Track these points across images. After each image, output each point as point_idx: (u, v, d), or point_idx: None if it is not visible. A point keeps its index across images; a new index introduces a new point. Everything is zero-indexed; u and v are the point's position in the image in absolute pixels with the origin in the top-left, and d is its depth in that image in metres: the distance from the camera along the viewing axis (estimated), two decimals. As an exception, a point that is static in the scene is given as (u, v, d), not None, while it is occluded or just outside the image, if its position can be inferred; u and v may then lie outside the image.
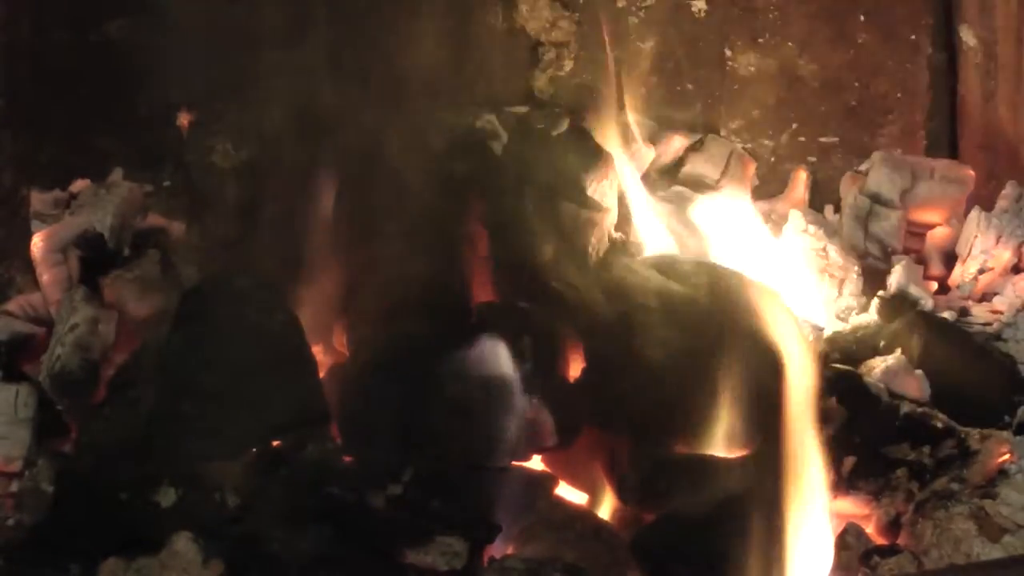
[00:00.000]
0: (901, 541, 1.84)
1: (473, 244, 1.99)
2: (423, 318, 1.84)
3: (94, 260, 2.10)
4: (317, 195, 2.01)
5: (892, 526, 1.87)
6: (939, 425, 1.93)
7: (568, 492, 1.86)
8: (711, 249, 2.33)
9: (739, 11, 2.64)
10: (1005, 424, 2.00)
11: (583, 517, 1.79)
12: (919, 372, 2.04)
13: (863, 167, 2.56)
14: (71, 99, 2.39)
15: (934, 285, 2.43)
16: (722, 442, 1.78)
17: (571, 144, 2.12)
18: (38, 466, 1.82)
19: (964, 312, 2.31)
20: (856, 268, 2.37)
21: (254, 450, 1.74)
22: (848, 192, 2.54)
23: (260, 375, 1.76)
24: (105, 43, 2.41)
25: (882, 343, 2.13)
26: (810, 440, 1.77)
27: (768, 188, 2.62)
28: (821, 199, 2.61)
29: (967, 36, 2.66)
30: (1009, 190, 2.49)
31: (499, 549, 1.72)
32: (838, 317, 2.29)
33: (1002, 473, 1.89)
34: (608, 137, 2.24)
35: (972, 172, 2.55)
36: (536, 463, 1.86)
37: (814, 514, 1.74)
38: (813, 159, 2.68)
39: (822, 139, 2.69)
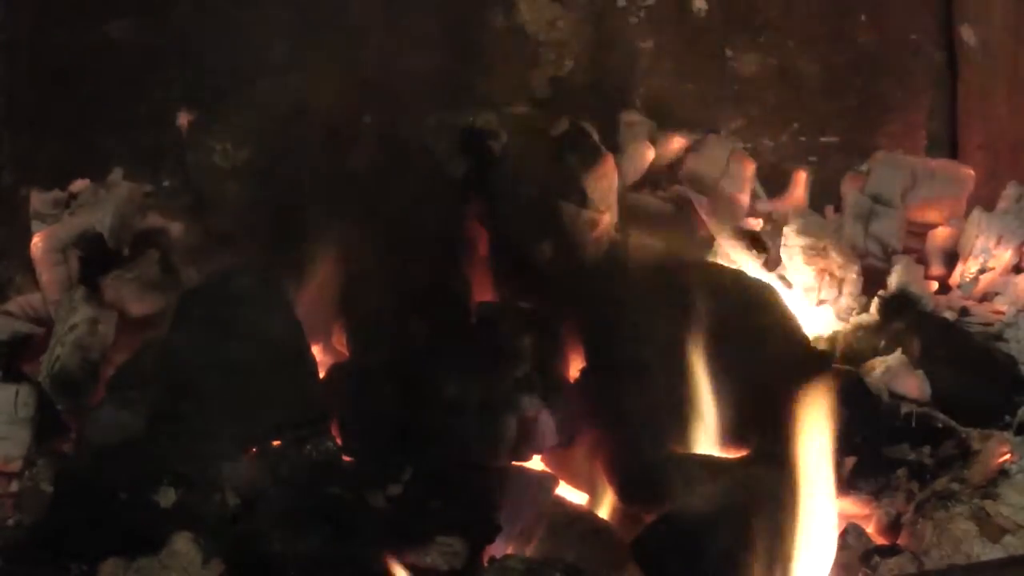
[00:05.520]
0: (901, 541, 1.84)
1: (473, 244, 1.99)
2: (423, 318, 1.83)
3: (94, 260, 2.10)
4: (318, 196, 2.01)
5: (892, 526, 1.87)
6: (940, 425, 1.93)
7: (568, 492, 1.86)
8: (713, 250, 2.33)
9: (739, 11, 2.64)
10: (1006, 424, 2.00)
11: (583, 517, 1.79)
12: (919, 372, 2.04)
13: (863, 167, 2.56)
14: (71, 99, 2.39)
15: (935, 285, 2.43)
16: (722, 442, 1.78)
17: (571, 144, 2.11)
18: (38, 466, 1.82)
19: (965, 312, 2.30)
20: (856, 268, 2.37)
21: (254, 450, 1.74)
22: (849, 192, 2.54)
23: (260, 375, 1.76)
24: (105, 43, 2.41)
25: (882, 343, 2.13)
26: (811, 440, 1.77)
27: (768, 188, 2.62)
28: (821, 199, 2.61)
29: (967, 36, 2.66)
30: (1010, 190, 2.49)
31: (499, 549, 1.72)
32: (838, 317, 2.29)
33: (1003, 473, 1.89)
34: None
35: (972, 172, 2.55)
36: (536, 463, 1.86)
37: (814, 514, 1.74)
38: (814, 159, 2.68)
39: (823, 139, 2.69)
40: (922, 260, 2.47)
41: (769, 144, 2.68)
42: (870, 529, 1.86)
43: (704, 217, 2.42)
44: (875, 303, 2.24)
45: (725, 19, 2.63)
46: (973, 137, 2.69)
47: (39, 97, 2.41)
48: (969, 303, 2.35)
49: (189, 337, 1.80)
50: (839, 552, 1.77)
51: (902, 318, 2.16)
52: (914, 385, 2.02)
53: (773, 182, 2.63)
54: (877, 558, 1.78)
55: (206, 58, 2.37)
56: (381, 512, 1.69)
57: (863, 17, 2.68)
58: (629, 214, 2.18)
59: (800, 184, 2.62)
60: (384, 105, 2.15)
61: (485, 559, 1.69)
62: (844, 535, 1.80)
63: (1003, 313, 2.29)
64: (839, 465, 1.87)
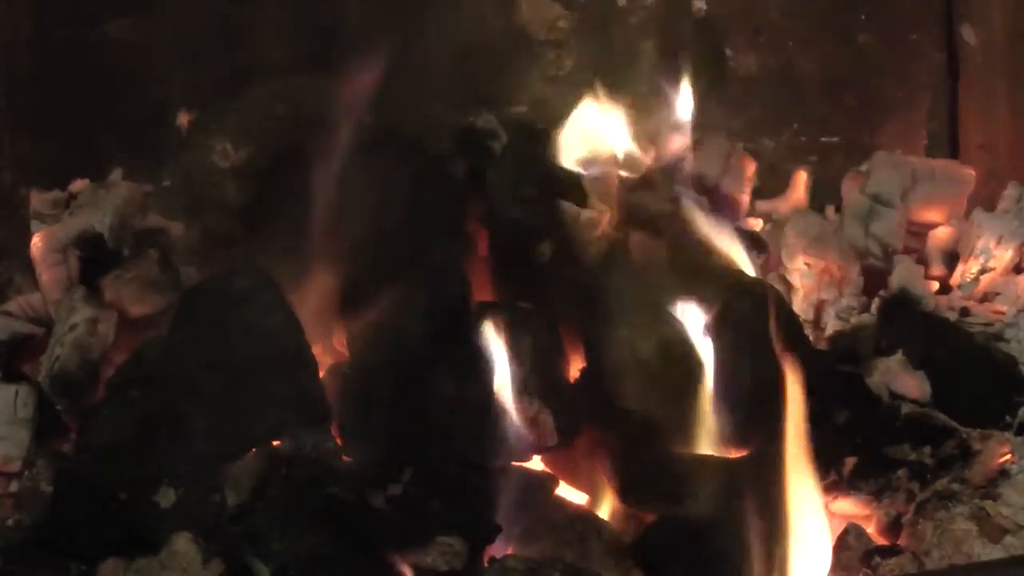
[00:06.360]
0: (902, 542, 1.84)
1: (473, 244, 1.99)
2: (423, 318, 1.83)
3: (94, 260, 2.10)
4: (317, 195, 2.01)
5: (893, 526, 1.87)
6: (940, 425, 1.93)
7: (568, 492, 1.86)
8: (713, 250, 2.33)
9: (739, 11, 2.64)
10: (1006, 424, 2.00)
11: (583, 517, 1.79)
12: (919, 372, 2.04)
13: (863, 167, 2.56)
14: (71, 99, 2.39)
15: (935, 285, 2.42)
16: (722, 442, 1.78)
17: (571, 144, 2.11)
18: (37, 466, 1.82)
19: (965, 312, 2.30)
20: (856, 268, 2.37)
21: (254, 450, 1.74)
22: (849, 192, 2.54)
23: (260, 375, 1.76)
24: (105, 43, 2.41)
25: (883, 343, 2.12)
26: (811, 440, 1.77)
27: (768, 188, 2.62)
28: (821, 199, 2.61)
29: (967, 36, 2.66)
30: (1010, 190, 2.49)
31: (499, 549, 1.72)
32: (838, 317, 2.29)
33: (1003, 474, 1.89)
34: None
35: (972, 172, 2.55)
36: (536, 463, 1.86)
37: (815, 514, 1.74)
38: (814, 159, 2.68)
39: (823, 139, 2.69)
40: (922, 260, 2.47)
41: (769, 144, 2.68)
42: (870, 529, 1.86)
43: (704, 217, 2.42)
44: (875, 303, 2.24)
45: (725, 19, 2.63)
46: (973, 137, 2.69)
47: (39, 97, 2.41)
48: (970, 303, 2.35)
49: (189, 337, 1.80)
50: (839, 552, 1.77)
51: (902, 318, 2.16)
52: (914, 385, 2.02)
53: (773, 182, 2.64)
54: (878, 558, 1.78)
55: (206, 58, 2.37)
56: (381, 512, 1.69)
57: (863, 17, 2.68)
58: (629, 214, 2.17)
59: (800, 184, 2.62)
60: (384, 105, 2.14)
61: (485, 559, 1.69)
62: (844, 535, 1.80)
63: (1004, 313, 2.28)
64: (839, 465, 1.87)
